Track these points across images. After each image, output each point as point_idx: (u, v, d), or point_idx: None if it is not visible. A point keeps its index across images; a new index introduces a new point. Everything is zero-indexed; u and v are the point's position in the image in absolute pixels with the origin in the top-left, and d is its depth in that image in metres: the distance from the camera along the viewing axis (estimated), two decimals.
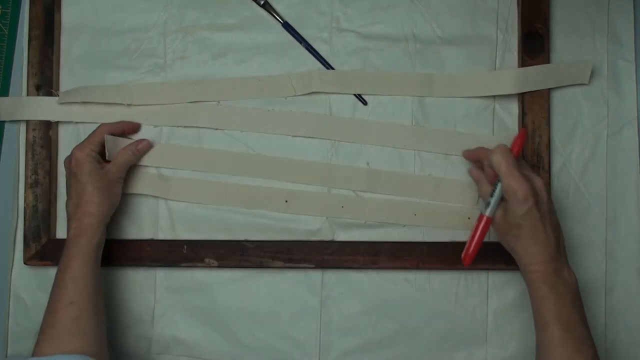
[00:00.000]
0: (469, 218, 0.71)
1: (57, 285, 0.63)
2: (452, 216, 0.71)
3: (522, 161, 0.65)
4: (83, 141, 0.68)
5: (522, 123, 0.70)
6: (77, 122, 0.73)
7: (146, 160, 0.72)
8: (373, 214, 0.71)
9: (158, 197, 0.73)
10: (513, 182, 0.60)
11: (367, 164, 0.72)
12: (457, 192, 0.71)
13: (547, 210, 0.61)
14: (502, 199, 0.62)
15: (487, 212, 0.63)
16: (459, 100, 0.72)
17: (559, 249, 0.61)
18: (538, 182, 0.61)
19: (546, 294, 0.60)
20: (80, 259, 0.64)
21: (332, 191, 0.72)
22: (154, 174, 0.73)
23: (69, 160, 0.68)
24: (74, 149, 0.68)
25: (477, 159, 0.68)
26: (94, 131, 0.69)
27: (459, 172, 0.72)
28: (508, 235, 0.62)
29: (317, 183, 0.72)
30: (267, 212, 0.72)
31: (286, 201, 0.72)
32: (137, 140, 0.72)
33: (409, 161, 0.72)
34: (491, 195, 0.62)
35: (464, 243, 0.65)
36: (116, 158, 0.69)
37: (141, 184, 0.72)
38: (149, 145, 0.72)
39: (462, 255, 0.64)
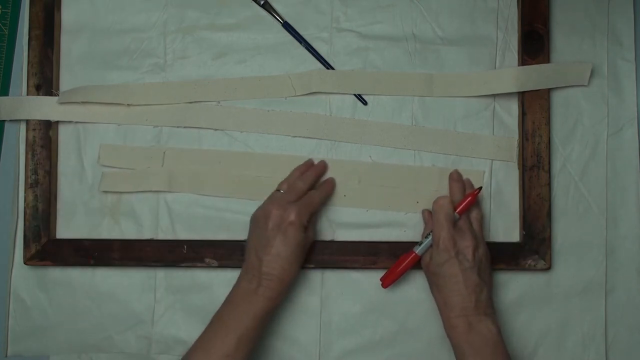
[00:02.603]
0: None
1: (223, 331, 0.63)
2: None
3: (465, 218, 0.66)
4: (301, 204, 0.66)
5: (522, 123, 0.70)
6: (77, 122, 0.73)
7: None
8: (375, 203, 0.72)
9: (162, 190, 0.72)
10: (440, 231, 0.64)
11: (370, 157, 0.72)
12: None
13: (469, 267, 0.63)
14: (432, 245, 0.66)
15: (416, 250, 0.67)
16: (459, 100, 0.72)
17: (479, 304, 0.63)
18: (466, 241, 0.64)
19: (465, 350, 0.62)
20: (256, 322, 0.63)
21: (334, 180, 0.72)
22: (158, 168, 0.73)
23: (282, 216, 0.65)
24: (292, 208, 0.65)
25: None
26: (311, 199, 0.67)
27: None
28: (432, 285, 0.66)
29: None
30: None
31: None
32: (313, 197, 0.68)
33: (409, 161, 0.72)
34: (425, 237, 0.66)
35: None
36: (309, 230, 0.68)
37: (144, 180, 0.72)
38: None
39: (382, 277, 0.68)
